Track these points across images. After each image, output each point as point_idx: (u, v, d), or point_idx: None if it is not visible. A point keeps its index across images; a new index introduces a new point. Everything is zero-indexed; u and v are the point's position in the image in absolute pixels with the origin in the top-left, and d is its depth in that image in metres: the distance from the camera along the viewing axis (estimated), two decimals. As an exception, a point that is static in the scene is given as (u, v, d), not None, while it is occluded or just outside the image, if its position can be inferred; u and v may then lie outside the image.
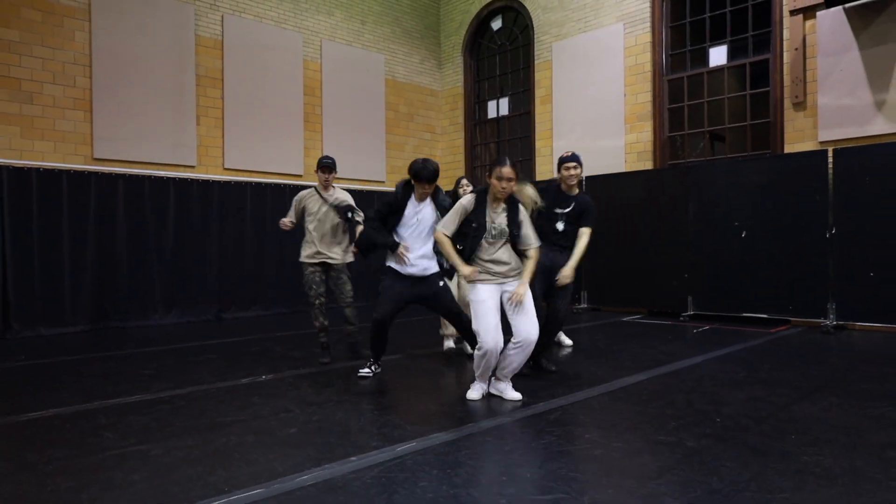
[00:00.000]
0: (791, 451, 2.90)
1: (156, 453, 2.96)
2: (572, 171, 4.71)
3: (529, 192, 4.01)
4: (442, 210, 4.36)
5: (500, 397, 3.95)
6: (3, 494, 2.49)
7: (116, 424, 3.46)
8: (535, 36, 10.22)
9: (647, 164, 8.73)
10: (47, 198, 7.17)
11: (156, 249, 8.03)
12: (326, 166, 5.23)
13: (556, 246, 4.69)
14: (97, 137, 7.68)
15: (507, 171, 3.78)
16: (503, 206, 3.90)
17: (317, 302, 5.21)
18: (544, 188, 4.83)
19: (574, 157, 4.76)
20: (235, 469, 2.74)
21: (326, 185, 5.29)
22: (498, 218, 3.86)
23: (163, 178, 8.10)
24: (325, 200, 5.23)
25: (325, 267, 5.24)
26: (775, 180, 7.18)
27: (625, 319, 7.84)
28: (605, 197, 8.35)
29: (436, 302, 4.44)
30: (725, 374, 4.63)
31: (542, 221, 4.62)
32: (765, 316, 7.26)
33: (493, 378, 4.03)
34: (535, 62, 10.26)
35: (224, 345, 6.29)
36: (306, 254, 5.23)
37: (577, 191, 4.80)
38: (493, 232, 3.84)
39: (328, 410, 3.71)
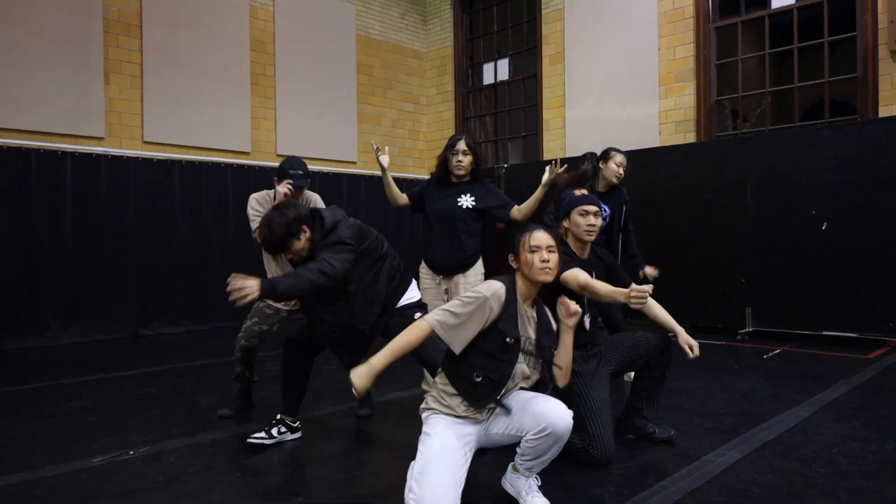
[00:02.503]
0: None
1: None
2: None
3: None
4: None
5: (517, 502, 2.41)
6: None
7: None
8: (543, -20, 8.70)
9: (690, 137, 7.23)
10: None
11: (48, 245, 6.43)
12: (300, 186, 3.53)
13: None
14: (-38, 97, 6.08)
15: (543, 237, 2.37)
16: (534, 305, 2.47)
17: (244, 343, 3.60)
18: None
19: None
20: None
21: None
22: (530, 327, 2.42)
23: (56, 151, 6.49)
24: None
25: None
26: (867, 154, 5.67)
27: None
28: (634, 179, 6.76)
29: None
30: (862, 444, 3.10)
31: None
32: (855, 335, 5.76)
33: (511, 466, 2.49)
34: (543, 13, 8.74)
35: (112, 382, 4.71)
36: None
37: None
38: (528, 349, 2.40)
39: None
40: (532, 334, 2.38)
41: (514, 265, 2.42)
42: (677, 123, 7.36)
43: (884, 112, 5.96)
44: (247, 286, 2.53)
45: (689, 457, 2.94)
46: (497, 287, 2.33)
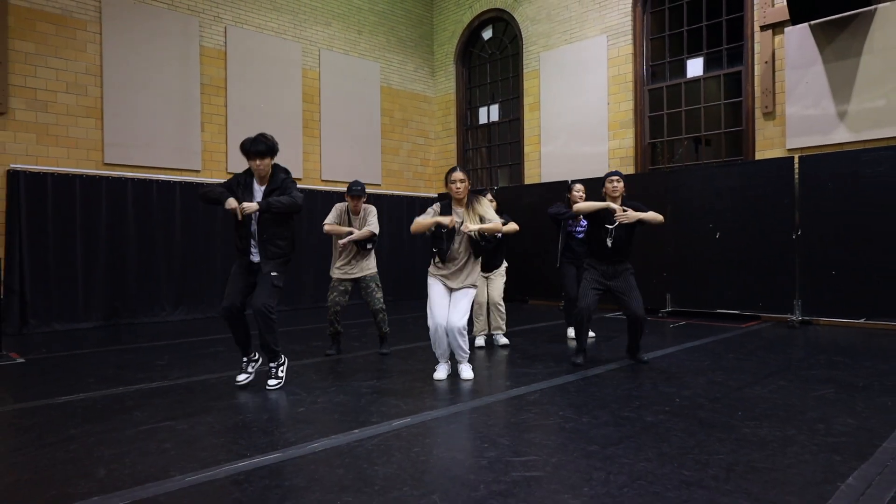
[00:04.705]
0: (735, 424, 3.33)
1: (182, 427, 3.37)
2: (616, 184, 5.03)
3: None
4: (278, 191, 4.06)
5: (479, 380, 4.38)
6: (56, 459, 2.89)
7: (143, 405, 3.86)
8: (524, 46, 10.66)
9: (629, 169, 9.17)
10: (61, 201, 7.56)
11: (163, 250, 8.41)
12: (356, 195, 5.41)
13: (607, 261, 5.06)
14: (108, 144, 8.06)
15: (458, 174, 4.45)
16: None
17: (336, 308, 5.47)
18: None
19: (617, 172, 5.15)
20: (255, 439, 3.15)
21: (356, 211, 5.52)
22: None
23: (169, 181, 8.48)
24: (351, 226, 5.51)
25: (355, 280, 5.55)
26: (747, 185, 7.64)
27: (608, 316, 8.27)
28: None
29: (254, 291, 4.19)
30: (692, 362, 5.07)
31: (592, 238, 5.16)
32: (737, 312, 7.71)
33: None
34: (524, 71, 10.69)
35: (229, 339, 6.64)
36: (338, 268, 5.51)
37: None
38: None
39: (331, 394, 4.12)
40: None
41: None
42: (621, 159, 9.31)
43: (759, 156, 7.91)
44: (250, 205, 4.02)
45: (586, 366, 4.89)
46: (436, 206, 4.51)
